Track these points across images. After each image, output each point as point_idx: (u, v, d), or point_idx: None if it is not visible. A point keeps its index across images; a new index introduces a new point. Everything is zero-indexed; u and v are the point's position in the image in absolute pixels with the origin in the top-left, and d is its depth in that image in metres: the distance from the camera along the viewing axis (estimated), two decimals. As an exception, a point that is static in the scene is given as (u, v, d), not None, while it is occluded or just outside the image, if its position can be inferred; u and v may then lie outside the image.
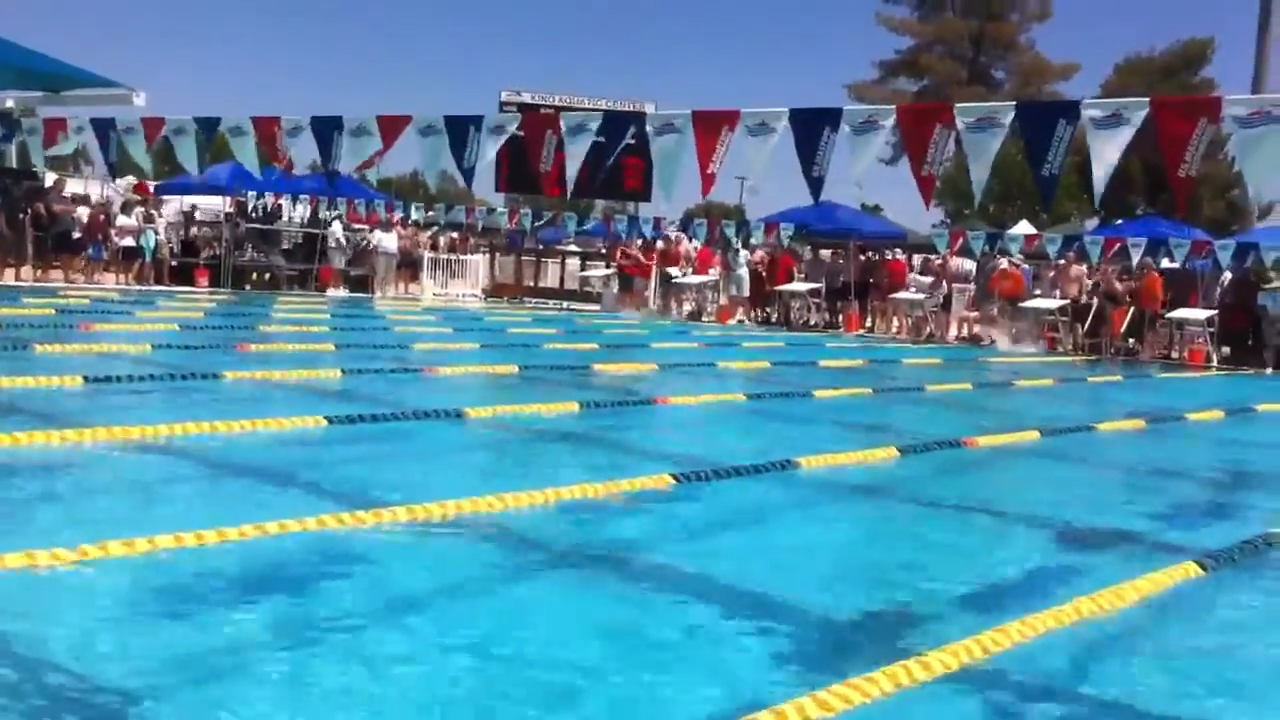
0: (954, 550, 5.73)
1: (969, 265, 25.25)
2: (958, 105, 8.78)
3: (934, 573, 5.15)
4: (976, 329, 24.30)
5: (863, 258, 26.22)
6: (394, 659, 3.56)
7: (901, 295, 24.65)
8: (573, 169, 10.11)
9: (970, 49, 60.09)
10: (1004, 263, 24.02)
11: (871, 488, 7.12)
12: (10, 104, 26.32)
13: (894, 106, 9.40)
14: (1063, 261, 23.81)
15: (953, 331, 24.43)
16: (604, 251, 31.04)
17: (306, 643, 3.63)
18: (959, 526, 6.26)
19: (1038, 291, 23.46)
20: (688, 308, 27.16)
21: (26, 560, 4.08)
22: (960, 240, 25.59)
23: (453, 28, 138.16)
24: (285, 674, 3.36)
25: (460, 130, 10.31)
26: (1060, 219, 40.11)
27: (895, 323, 25.33)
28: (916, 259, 25.99)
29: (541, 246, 33.84)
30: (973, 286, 24.52)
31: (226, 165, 24.99)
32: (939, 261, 25.53)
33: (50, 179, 25.09)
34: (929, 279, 24.62)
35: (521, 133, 10.39)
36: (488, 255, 31.59)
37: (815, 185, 9.33)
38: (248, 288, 24.92)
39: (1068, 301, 22.56)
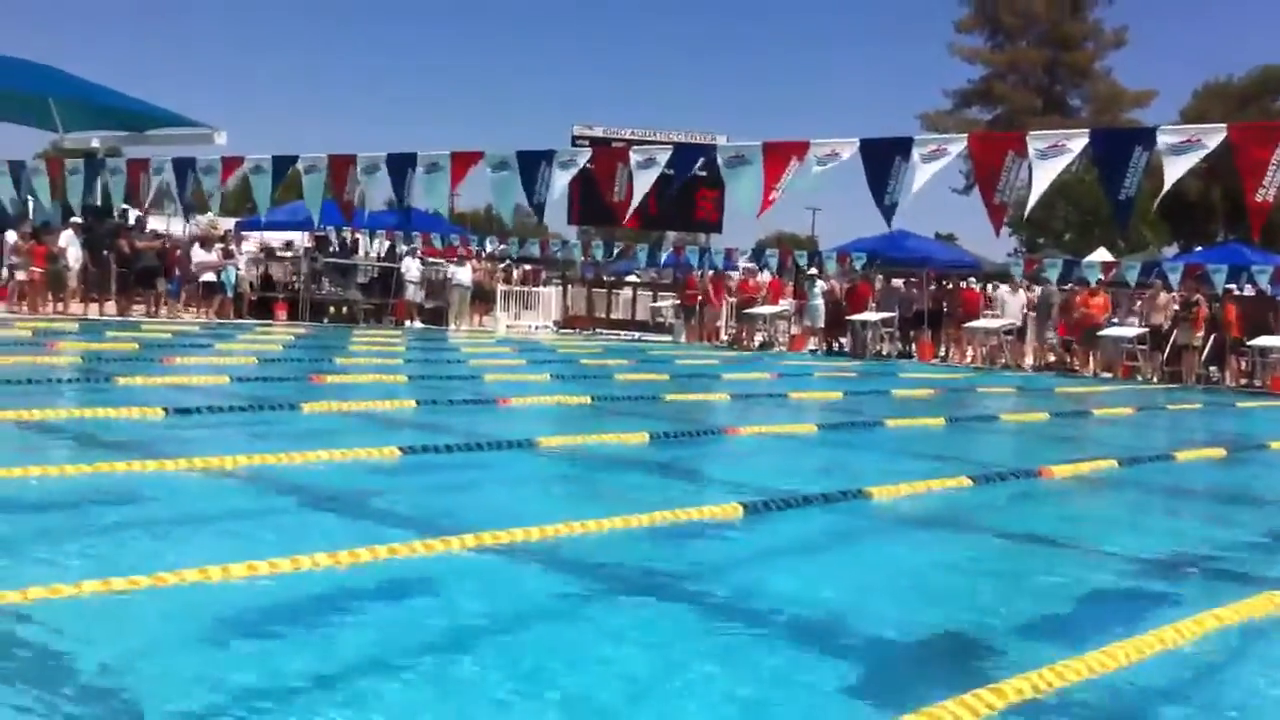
0: (1029, 580, 5.66)
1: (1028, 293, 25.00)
2: (1030, 133, 8.74)
3: (1008, 602, 5.10)
4: (1051, 356, 24.04)
5: (933, 287, 26.04)
6: (467, 685, 3.59)
7: (976, 324, 24.44)
8: (639, 198, 10.20)
9: (1045, 77, 59.68)
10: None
11: (944, 518, 7.05)
12: (96, 144, 27.10)
13: (964, 135, 9.39)
14: (1149, 290, 23.46)
15: (1029, 360, 24.15)
16: (676, 282, 31.10)
17: (381, 669, 3.67)
18: (1034, 556, 6.18)
19: (1115, 320, 23.12)
20: (760, 338, 27.11)
21: (103, 587, 4.16)
22: (1033, 269, 25.41)
23: (526, 65, 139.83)
24: (358, 701, 3.40)
25: (531, 165, 10.46)
26: (1138, 247, 39.61)
27: (969, 351, 25.10)
28: (1003, 289, 25.64)
29: (613, 278, 34.00)
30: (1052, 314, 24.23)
31: (302, 203, 25.46)
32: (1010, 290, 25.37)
33: (133, 216, 25.72)
34: (1019, 300, 24.35)
35: (592, 166, 10.51)
36: (560, 287, 31.81)
37: (888, 212, 9.35)
38: (325, 321, 25.30)
39: (1146, 330, 22.19)
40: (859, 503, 7.00)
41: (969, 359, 24.84)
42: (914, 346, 25.44)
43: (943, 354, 25.33)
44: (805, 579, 5.23)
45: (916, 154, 9.24)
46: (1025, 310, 24.66)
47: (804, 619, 4.52)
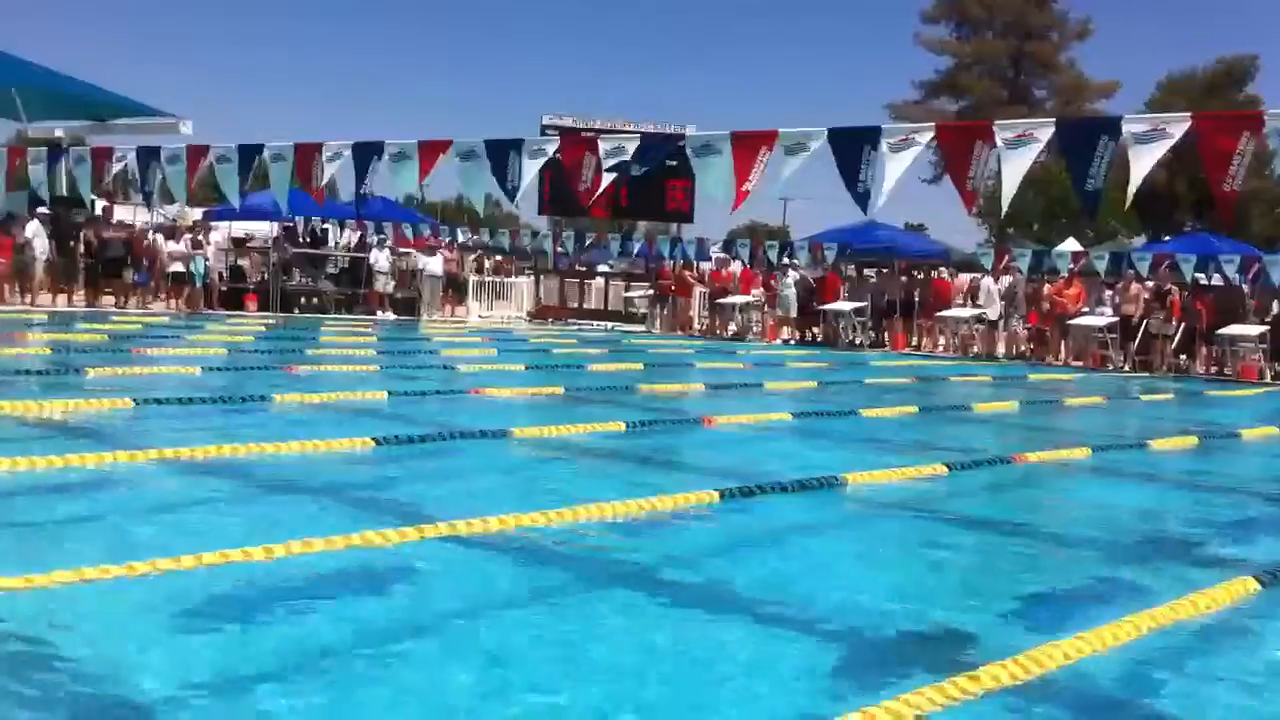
0: (1004, 566, 5.68)
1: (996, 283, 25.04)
2: (996, 122, 8.77)
3: (983, 589, 5.12)
4: (1024, 346, 24.19)
5: (905, 277, 26.13)
6: (437, 675, 3.57)
7: (947, 313, 24.53)
8: (604, 185, 10.17)
9: (1010, 68, 59.91)
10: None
11: (919, 504, 7.06)
12: (60, 133, 26.81)
13: (933, 124, 9.40)
14: (1121, 280, 23.60)
15: (1000, 349, 24.27)
16: (649, 272, 31.08)
17: (353, 657, 3.64)
18: (1009, 543, 6.20)
19: (1086, 309, 23.25)
20: (733, 328, 27.14)
21: (75, 576, 4.14)
22: (1006, 258, 25.50)
23: (496, 55, 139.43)
24: (327, 689, 3.38)
25: (501, 154, 10.41)
26: (1106, 236, 39.85)
27: (941, 340, 25.20)
28: (987, 280, 25.57)
29: (585, 268, 33.95)
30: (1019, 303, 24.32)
31: (271, 192, 25.30)
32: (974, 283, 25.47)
33: (99, 206, 25.49)
34: (1003, 284, 24.35)
35: (560, 155, 10.47)
36: (532, 278, 31.73)
37: (862, 200, 9.36)
38: (296, 312, 25.16)
39: (1117, 319, 22.32)
40: (834, 490, 7.01)
41: (941, 348, 24.93)
42: (886, 336, 25.51)
43: (915, 343, 25.43)
44: (781, 566, 5.23)
45: (885, 143, 9.25)
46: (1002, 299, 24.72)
47: (780, 606, 4.51)
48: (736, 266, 28.17)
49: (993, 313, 24.22)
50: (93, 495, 5.82)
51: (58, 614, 3.86)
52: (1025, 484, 8.34)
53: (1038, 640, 4.02)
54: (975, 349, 24.25)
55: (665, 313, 28.18)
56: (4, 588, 3.95)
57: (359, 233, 30.34)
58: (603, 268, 35.07)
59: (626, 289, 32.13)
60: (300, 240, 29.19)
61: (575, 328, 27.58)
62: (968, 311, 24.56)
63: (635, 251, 31.02)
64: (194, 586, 4.20)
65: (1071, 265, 25.02)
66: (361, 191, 11.47)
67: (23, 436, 7.43)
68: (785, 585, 4.83)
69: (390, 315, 26.20)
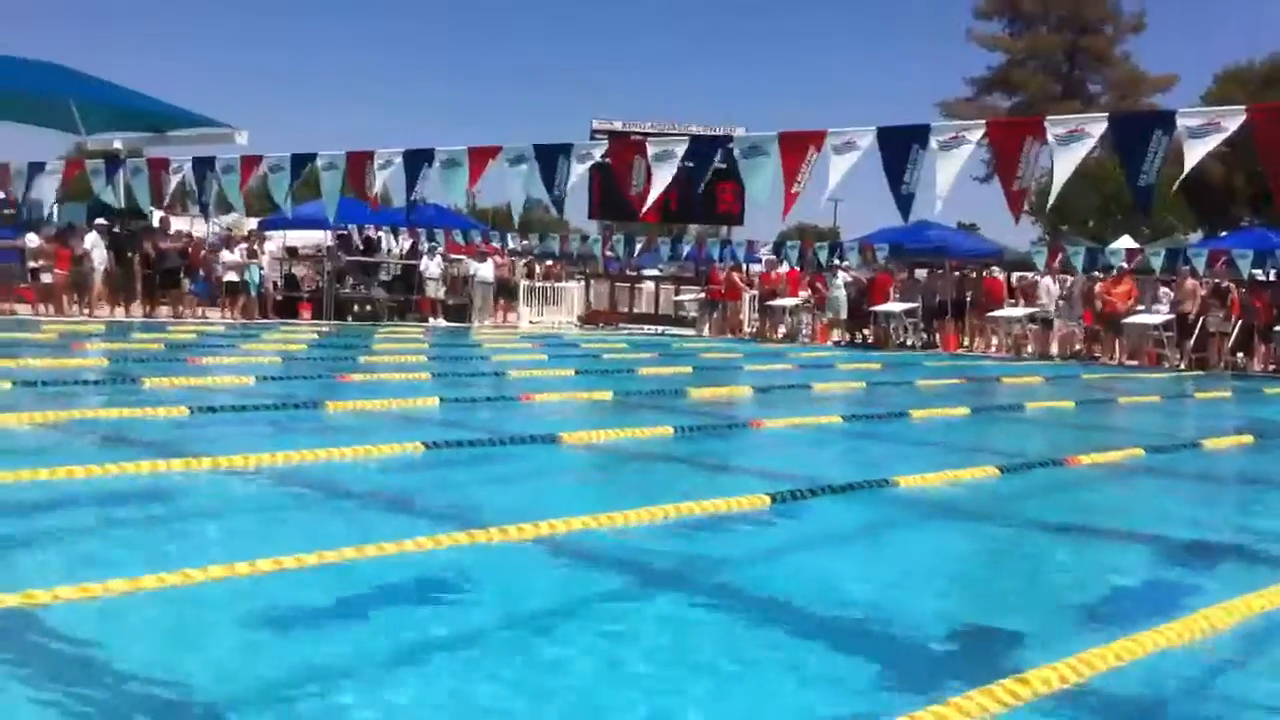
0: (1056, 569, 5.63)
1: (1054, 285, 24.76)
2: (1048, 118, 8.68)
3: (1034, 591, 5.08)
4: (1077, 345, 23.93)
5: (956, 276, 25.93)
6: (487, 679, 3.60)
7: (1000, 313, 24.32)
8: (657, 192, 10.18)
9: (1064, 63, 59.35)
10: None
11: (971, 507, 7.03)
12: (118, 145, 27.24)
13: (983, 121, 9.33)
14: (1176, 276, 23.30)
15: (1054, 349, 24.03)
16: (698, 276, 31.06)
17: (407, 662, 3.68)
18: (1061, 545, 6.15)
19: (1140, 307, 22.96)
20: (782, 330, 27.06)
21: (131, 585, 4.19)
22: (1059, 256, 25.23)
23: (544, 60, 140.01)
24: (381, 694, 3.41)
25: (549, 159, 10.46)
26: (1162, 233, 39.37)
27: (994, 341, 24.98)
28: (1046, 279, 25.29)
29: (635, 272, 33.99)
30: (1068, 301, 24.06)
31: (323, 200, 25.53)
32: (1029, 281, 25.22)
33: (156, 217, 25.86)
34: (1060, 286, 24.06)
35: (609, 159, 10.50)
36: (582, 282, 31.82)
37: (904, 203, 9.30)
38: (349, 320, 25.39)
39: (1173, 317, 22.02)
40: (885, 492, 6.98)
41: (994, 348, 24.72)
42: (938, 337, 25.32)
43: (967, 343, 25.22)
44: (832, 570, 5.22)
45: (934, 141, 9.19)
46: (1064, 298, 24.45)
47: (830, 610, 4.51)
48: (785, 268, 28.09)
49: (1052, 312, 23.96)
50: (149, 503, 5.90)
51: (115, 623, 3.92)
52: (1078, 485, 8.25)
53: (1089, 643, 3.98)
54: (1029, 349, 24.02)
55: (715, 316, 28.15)
56: (62, 597, 4.00)
57: (411, 240, 30.59)
58: (652, 272, 35.11)
59: (676, 293, 32.13)
60: (353, 248, 29.46)
61: (625, 332, 27.62)
62: (1020, 311, 24.33)
63: (685, 255, 31.02)
64: (249, 594, 4.25)
65: (1125, 262, 24.74)
66: (413, 198, 11.58)
67: (80, 445, 7.56)
68: (835, 589, 4.82)
69: (442, 322, 26.36)
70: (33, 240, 22.58)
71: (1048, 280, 24.53)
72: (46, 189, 16.21)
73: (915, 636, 4.24)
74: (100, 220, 22.55)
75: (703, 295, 29.01)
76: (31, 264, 22.67)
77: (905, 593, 4.89)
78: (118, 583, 4.17)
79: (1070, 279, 24.49)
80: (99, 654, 3.59)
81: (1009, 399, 14.27)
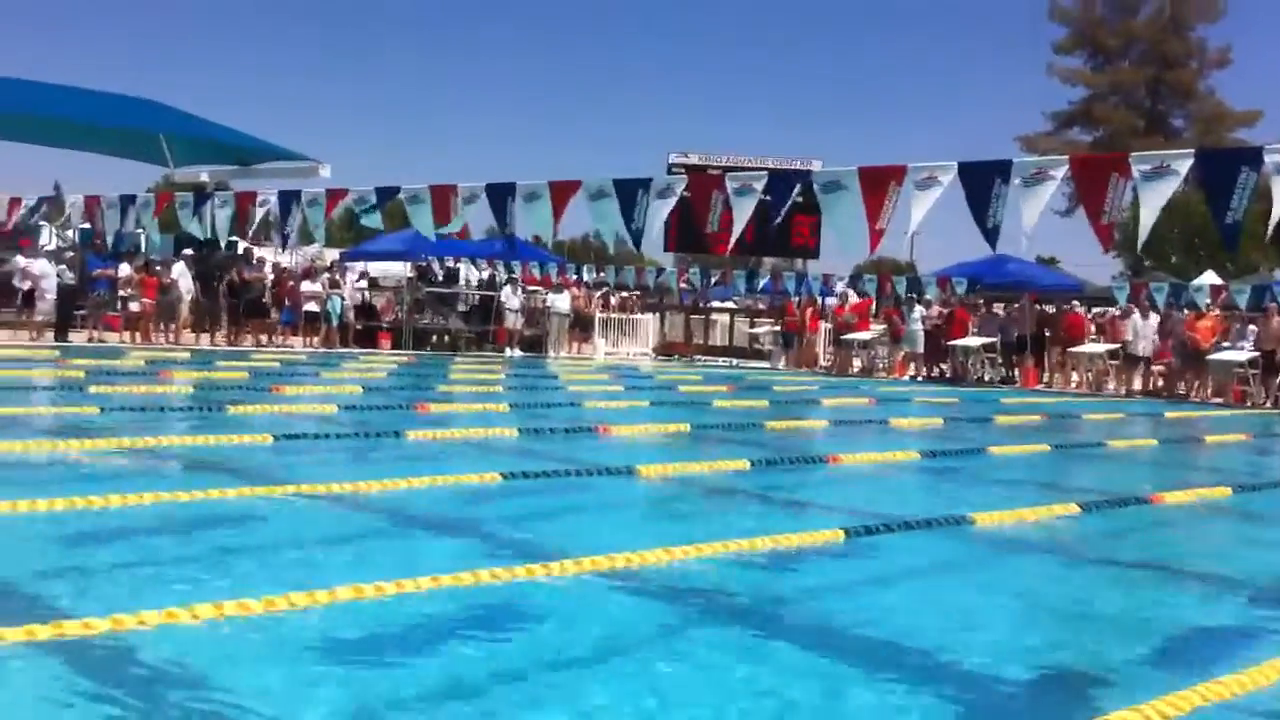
0: (1139, 609, 5.53)
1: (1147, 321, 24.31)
2: (1133, 154, 8.59)
3: (1117, 632, 4.99)
4: (1160, 381, 23.51)
5: (1037, 309, 25.61)
6: (565, 710, 3.61)
7: (1081, 348, 23.98)
8: (739, 228, 10.19)
9: (1147, 97, 58.64)
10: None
11: (1050, 545, 6.93)
12: (205, 177, 27.87)
13: (1066, 157, 9.25)
14: (1263, 313, 22.81)
15: (1136, 385, 23.63)
16: (774, 309, 31.02)
17: (480, 693, 3.71)
18: (1144, 584, 6.05)
19: (1226, 343, 22.53)
20: (858, 364, 26.91)
21: (215, 611, 4.25)
22: (1142, 292, 24.85)
23: (622, 95, 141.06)
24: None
25: (629, 193, 10.54)
26: (1247, 269, 38.63)
27: (1074, 376, 24.63)
28: (1135, 315, 24.74)
29: (710, 305, 34.02)
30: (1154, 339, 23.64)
31: (406, 232, 25.93)
32: (1109, 318, 24.84)
33: (241, 248, 26.40)
34: (1151, 324, 23.59)
35: (688, 194, 10.55)
36: (657, 314, 31.90)
37: (991, 236, 9.24)
38: (427, 349, 25.67)
39: (1258, 354, 21.57)
40: (963, 529, 6.91)
41: (1074, 384, 24.37)
42: (1017, 372, 25.01)
43: (1047, 379, 24.87)
44: (908, 606, 5.17)
45: (1017, 177, 9.13)
46: (1155, 334, 23.98)
47: (907, 648, 4.47)
48: (853, 298, 27.91)
49: (1141, 349, 23.54)
50: (233, 529, 6.01)
51: (198, 648, 3.98)
52: (1162, 524, 8.10)
53: (1170, 686, 3.91)
54: (1110, 385, 23.64)
55: (790, 349, 28.06)
56: (148, 622, 4.07)
57: (489, 271, 30.91)
58: (728, 304, 35.14)
59: (751, 325, 32.09)
60: (432, 279, 29.82)
61: (700, 364, 27.63)
62: (1102, 346, 23.97)
63: (761, 288, 31.02)
64: (327, 621, 4.31)
65: (1210, 299, 24.30)
66: (503, 231, 11.76)
67: (165, 471, 7.73)
68: (912, 626, 4.78)
69: (518, 352, 26.56)
70: (124, 270, 23.15)
71: (1136, 316, 24.12)
72: (138, 220, 16.63)
73: (991, 676, 4.19)
74: (188, 251, 23.06)
75: (777, 328, 28.94)
76: (121, 293, 23.25)
77: (984, 632, 4.84)
78: (203, 608, 4.24)
79: (1155, 315, 24.06)
80: (183, 679, 3.65)
81: (1090, 436, 14.07)
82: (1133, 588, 5.99)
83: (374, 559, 5.49)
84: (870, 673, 4.15)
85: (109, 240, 23.04)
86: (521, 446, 9.96)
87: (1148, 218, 8.69)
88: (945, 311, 26.32)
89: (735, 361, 29.01)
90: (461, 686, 3.74)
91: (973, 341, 24.87)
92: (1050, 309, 25.79)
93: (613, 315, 30.58)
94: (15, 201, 17.42)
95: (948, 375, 25.46)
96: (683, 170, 27.53)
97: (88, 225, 20.16)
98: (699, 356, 29.96)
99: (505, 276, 29.17)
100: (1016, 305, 26.09)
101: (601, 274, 32.51)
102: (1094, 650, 4.63)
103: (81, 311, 23.04)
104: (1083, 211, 9.23)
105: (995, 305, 27.18)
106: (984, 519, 7.13)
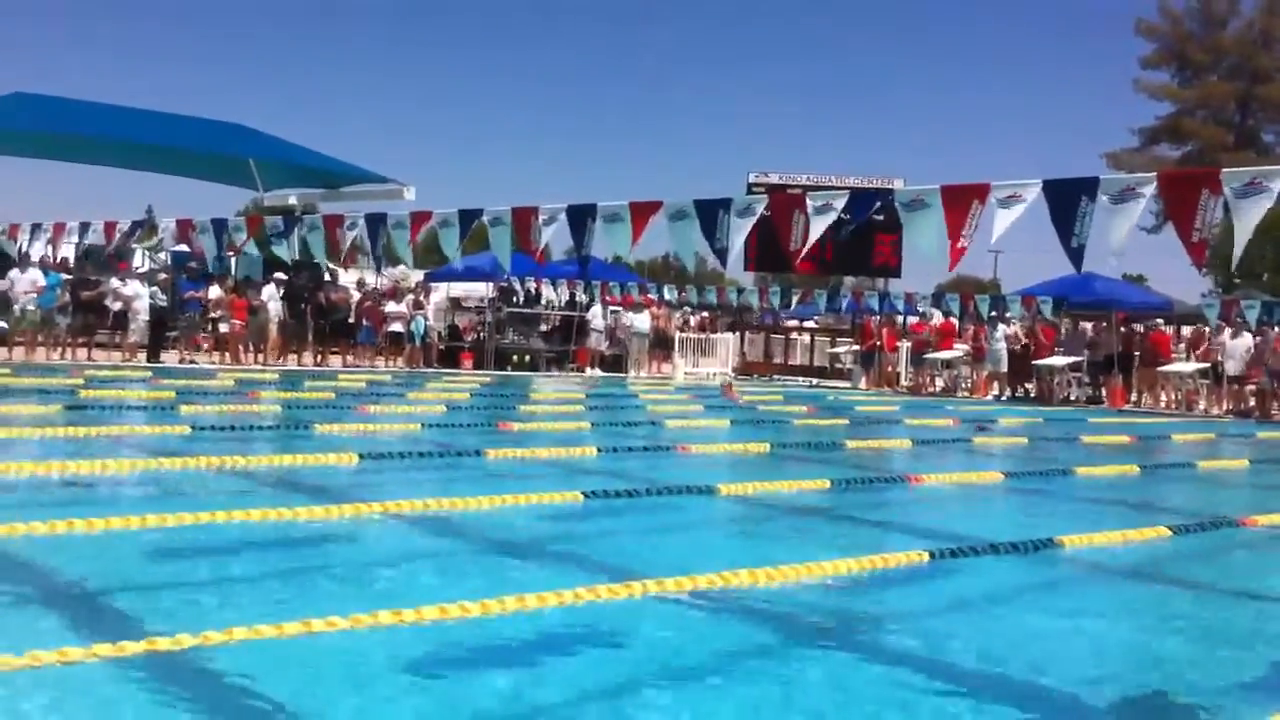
0: (1232, 635, 5.42)
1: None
2: (1224, 170, 8.41)
3: (1210, 658, 4.89)
4: (1253, 401, 22.95)
5: (1123, 330, 25.15)
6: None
7: (1170, 368, 23.52)
8: (821, 246, 10.16)
9: (1236, 112, 57.47)
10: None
11: (1141, 569, 6.81)
12: (293, 200, 28.39)
13: (1154, 174, 9.08)
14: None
15: (1226, 405, 23.12)
16: (854, 328, 30.82)
17: (564, 713, 3.73)
18: (1237, 610, 5.92)
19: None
20: (940, 383, 26.64)
21: (303, 628, 4.32)
22: (1233, 310, 24.30)
23: (700, 113, 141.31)
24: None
25: (710, 213, 10.55)
26: (1344, 286, 37.67)
27: (1163, 396, 24.15)
28: (1227, 333, 24.18)
29: (791, 324, 33.89)
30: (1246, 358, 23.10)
31: (489, 253, 26.15)
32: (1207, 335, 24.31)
33: (327, 270, 26.83)
34: (1244, 343, 23.01)
35: (769, 213, 10.53)
36: (737, 334, 31.85)
37: (1075, 255, 9.10)
38: (509, 369, 25.87)
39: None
40: (1050, 552, 6.81)
41: (1163, 404, 23.90)
42: (1104, 391, 24.59)
43: (1135, 399, 24.42)
44: (995, 630, 5.12)
45: (1104, 195, 8.99)
46: (1248, 353, 23.42)
47: (994, 673, 4.42)
48: (937, 319, 27.62)
49: (1231, 368, 23.01)
50: (320, 547, 6.11)
51: (286, 665, 4.04)
52: (1255, 547, 7.93)
53: (1263, 715, 3.83)
54: (1200, 405, 23.15)
55: (871, 368, 27.85)
56: (236, 638, 4.14)
57: (570, 292, 31.11)
58: (808, 323, 34.98)
59: (831, 344, 31.92)
60: (514, 300, 30.08)
61: (780, 384, 27.53)
62: (1192, 366, 23.49)
63: (842, 307, 30.82)
64: (413, 640, 4.35)
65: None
66: (581, 253, 11.82)
67: (255, 490, 7.87)
68: (998, 651, 4.72)
69: (598, 372, 26.66)
70: (214, 292, 23.64)
71: (1226, 334, 23.61)
72: (231, 244, 16.99)
73: (1082, 703, 4.13)
74: (278, 274, 23.49)
75: (858, 347, 28.76)
76: (211, 314, 23.74)
77: (1073, 657, 4.77)
78: (291, 625, 4.31)
79: (1246, 334, 23.52)
80: (270, 696, 3.71)
81: (1179, 457, 13.80)
82: (1224, 613, 5.87)
83: (458, 578, 5.55)
84: (956, 699, 4.11)
85: (206, 263, 23.54)
86: (603, 466, 10.00)
87: (1241, 236, 8.50)
88: (1029, 330, 25.96)
89: (815, 381, 28.86)
90: (544, 707, 3.77)
91: (1058, 360, 24.50)
92: (1139, 327, 25.30)
93: (692, 334, 30.59)
94: (111, 225, 17.86)
95: (1032, 395, 25.10)
96: (762, 190, 27.47)
97: (181, 248, 20.61)
98: (778, 376, 29.85)
99: (586, 297, 29.33)
100: (1103, 324, 25.66)
101: (683, 294, 32.52)
102: (1187, 678, 4.54)
103: (173, 333, 23.56)
104: (1170, 228, 9.04)
105: (1082, 323, 26.74)
106: (1072, 542, 7.02)
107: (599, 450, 10.83)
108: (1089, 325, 25.97)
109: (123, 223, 17.81)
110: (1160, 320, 25.48)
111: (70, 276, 22.18)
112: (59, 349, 21.98)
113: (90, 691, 3.67)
